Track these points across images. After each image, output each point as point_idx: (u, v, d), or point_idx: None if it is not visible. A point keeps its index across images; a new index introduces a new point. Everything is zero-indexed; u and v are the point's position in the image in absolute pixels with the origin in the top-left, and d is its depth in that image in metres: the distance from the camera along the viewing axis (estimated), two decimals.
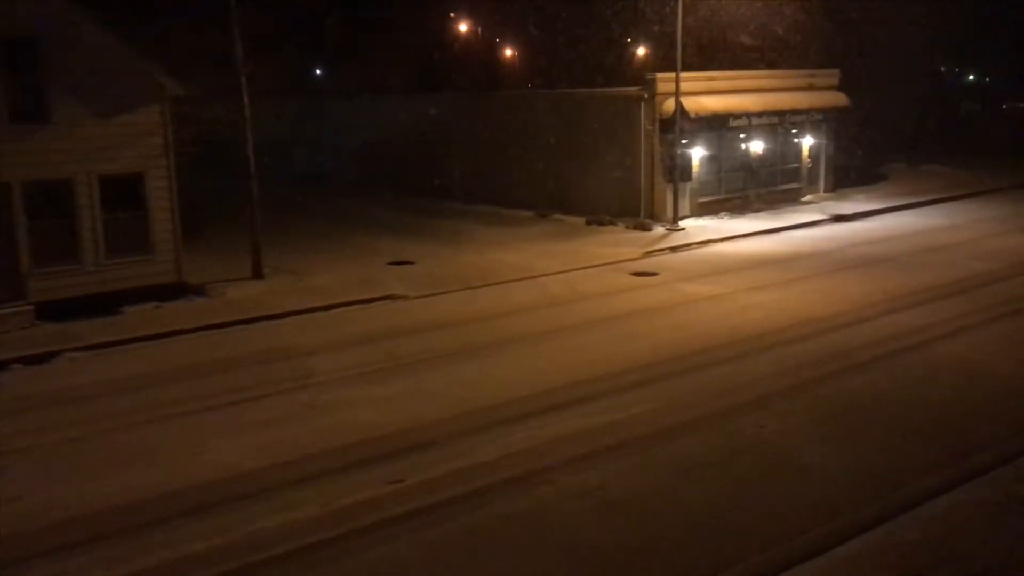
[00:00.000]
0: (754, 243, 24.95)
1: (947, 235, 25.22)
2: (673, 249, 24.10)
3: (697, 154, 28.27)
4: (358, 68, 59.52)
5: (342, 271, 20.86)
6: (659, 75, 26.84)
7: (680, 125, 26.18)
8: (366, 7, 54.76)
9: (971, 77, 65.93)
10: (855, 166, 41.26)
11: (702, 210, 28.73)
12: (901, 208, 30.68)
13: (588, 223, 27.74)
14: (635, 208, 27.85)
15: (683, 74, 27.52)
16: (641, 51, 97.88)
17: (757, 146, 30.19)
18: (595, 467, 10.15)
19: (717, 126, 28.22)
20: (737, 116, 28.23)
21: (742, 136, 29.96)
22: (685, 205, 28.33)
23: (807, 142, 32.03)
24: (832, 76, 32.60)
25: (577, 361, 14.16)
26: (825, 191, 33.19)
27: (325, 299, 18.14)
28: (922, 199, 32.19)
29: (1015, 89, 58.25)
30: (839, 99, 31.98)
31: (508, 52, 57.56)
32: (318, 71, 63.26)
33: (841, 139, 35.24)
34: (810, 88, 31.54)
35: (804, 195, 32.29)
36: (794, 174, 32.13)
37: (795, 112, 30.14)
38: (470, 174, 33.26)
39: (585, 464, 10.22)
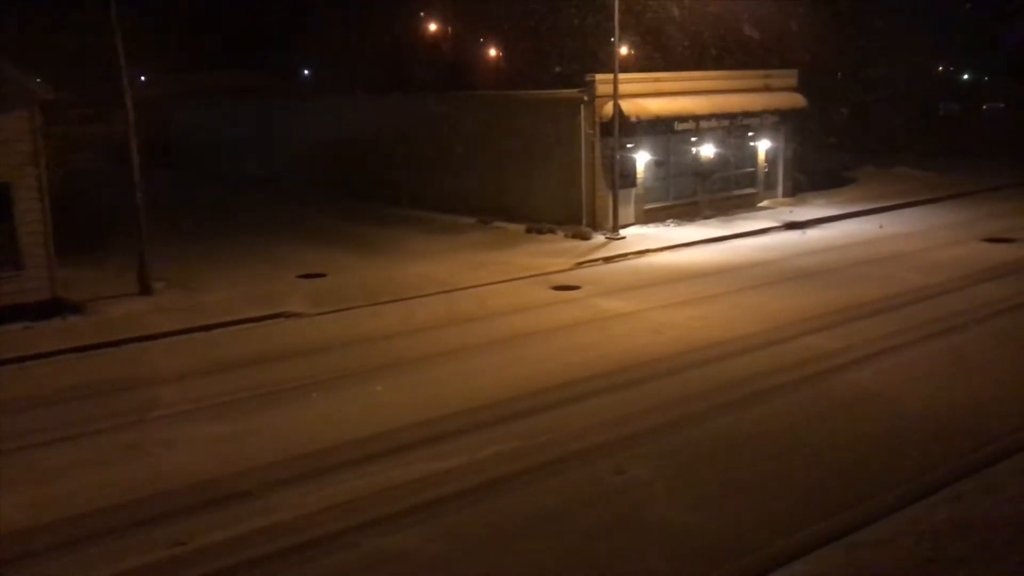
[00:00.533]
0: (694, 253, 23.74)
1: (900, 243, 24.00)
2: (607, 260, 22.91)
3: (642, 159, 27.07)
4: (323, 67, 58.38)
5: (244, 285, 19.66)
6: (598, 77, 25.59)
7: (619, 129, 25.00)
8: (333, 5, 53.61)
9: (965, 76, 64.70)
10: (821, 169, 40.16)
11: (648, 217, 27.53)
12: (860, 214, 29.45)
13: (528, 231, 26.52)
14: (577, 216, 26.60)
15: (625, 75, 26.39)
16: (624, 50, 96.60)
17: (708, 150, 28.98)
18: (414, 525, 8.95)
19: (662, 129, 26.97)
20: (683, 119, 26.99)
21: (693, 140, 28.75)
22: (630, 212, 27.16)
23: (763, 145, 30.81)
24: (789, 76, 31.36)
25: (451, 391, 12.97)
26: (784, 196, 31.95)
27: (210, 318, 16.94)
28: (884, 204, 30.97)
29: (995, 88, 57.13)
30: (796, 100, 30.74)
31: (492, 52, 56.37)
32: (306, 71, 62.20)
33: (807, 141, 34.13)
34: (766, 89, 30.31)
35: (761, 200, 31.07)
36: (750, 179, 30.92)
37: (747, 114, 28.90)
38: (417, 179, 32.05)
39: (403, 522, 9.02)
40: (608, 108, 25.53)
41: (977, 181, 36.54)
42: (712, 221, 28.02)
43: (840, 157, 45.14)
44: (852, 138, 52.43)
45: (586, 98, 25.71)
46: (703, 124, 27.64)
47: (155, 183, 23.95)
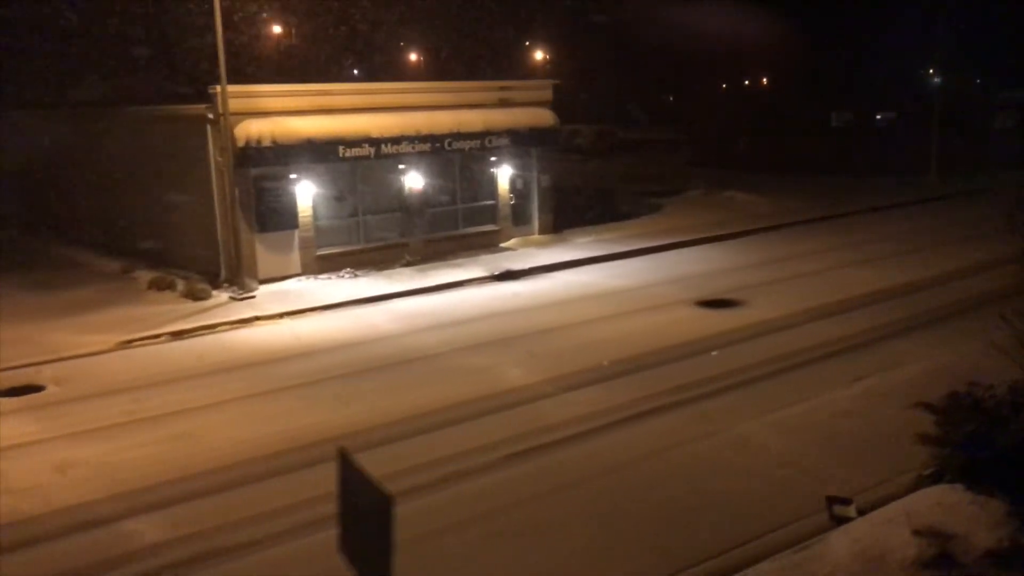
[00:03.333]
0: (315, 322, 18.11)
1: (586, 307, 18.40)
2: (176, 334, 17.21)
3: (307, 192, 21.44)
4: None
5: None
6: (230, 88, 19.82)
7: (235, 154, 19.44)
8: None
9: (937, 81, 58.47)
10: (630, 193, 34.72)
11: (323, 266, 21.86)
12: (617, 257, 23.88)
13: (150, 286, 20.83)
14: (217, 264, 20.97)
15: (269, 87, 21.11)
16: (540, 55, 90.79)
17: (416, 180, 23.35)
18: None
19: (335, 156, 21.28)
20: (352, 142, 21.26)
21: (401, 167, 23.14)
22: (293, 260, 21.53)
23: (505, 173, 25.18)
24: (541, 89, 25.81)
25: None
26: (541, 233, 26.30)
27: None
28: (656, 243, 25.39)
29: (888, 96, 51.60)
30: (542, 118, 25.08)
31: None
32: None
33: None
34: (502, 105, 24.71)
35: (506, 239, 25.41)
36: (488, 213, 25.26)
37: (462, 135, 23.21)
38: (87, 213, 26.41)
39: None
40: (246, 128, 19.99)
41: (807, 209, 31.19)
42: (411, 269, 22.42)
43: (684, 178, 39.73)
44: (722, 156, 47.00)
45: (211, 116, 20.03)
46: (388, 148, 21.94)
47: None
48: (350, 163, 21.81)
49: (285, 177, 21.04)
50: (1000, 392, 9.84)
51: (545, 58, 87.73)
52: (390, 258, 22.89)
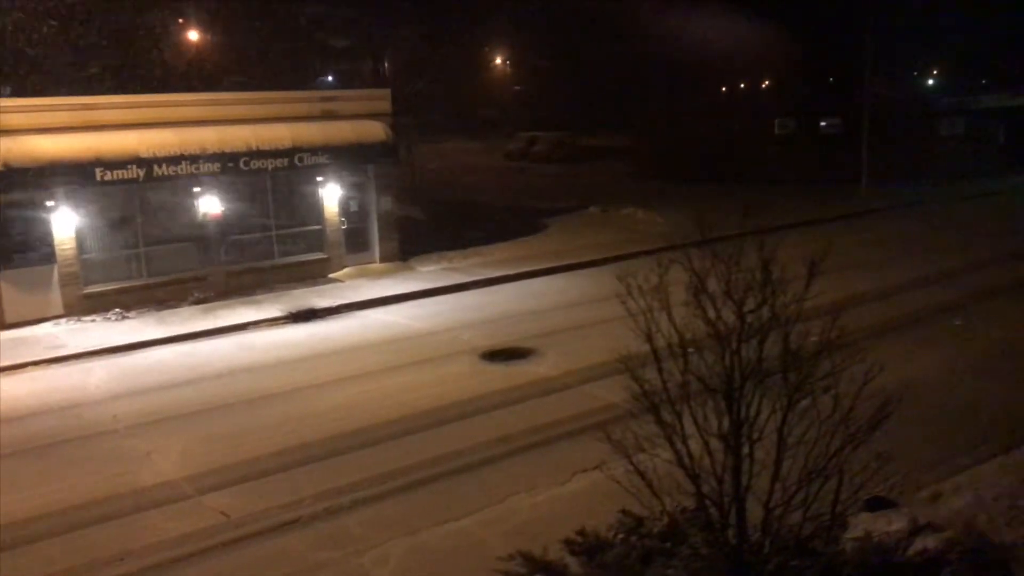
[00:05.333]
0: (22, 381, 15.17)
1: (365, 357, 15.52)
2: None
3: (68, 221, 18.52)
4: None
5: None
6: None
7: None
8: None
9: (931, 82, 55.06)
10: (516, 209, 31.86)
11: (92, 305, 18.89)
12: (448, 291, 20.95)
13: None
14: None
15: (9, 102, 18.05)
16: (499, 60, 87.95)
17: (212, 205, 20.41)
18: None
19: (89, 180, 18.33)
20: (114, 164, 18.29)
21: (196, 190, 20.22)
22: (54, 299, 18.60)
23: (332, 194, 22.24)
24: (373, 99, 22.85)
25: None
26: (383, 260, 23.34)
27: None
28: (513, 271, 22.53)
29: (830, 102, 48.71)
30: (373, 132, 22.11)
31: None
32: None
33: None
34: (327, 117, 21.77)
35: (337, 268, 22.45)
36: (316, 240, 22.31)
37: (260, 154, 20.21)
38: None
39: None
40: None
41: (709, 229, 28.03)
42: (197, 308, 19.48)
43: (608, 191, 36.80)
44: (663, 167, 43.82)
45: None
46: (164, 169, 18.97)
47: None
48: (124, 187, 18.88)
49: (38, 204, 18.14)
50: (653, 529, 6.85)
51: (505, 63, 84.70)
52: (180, 294, 19.93)
